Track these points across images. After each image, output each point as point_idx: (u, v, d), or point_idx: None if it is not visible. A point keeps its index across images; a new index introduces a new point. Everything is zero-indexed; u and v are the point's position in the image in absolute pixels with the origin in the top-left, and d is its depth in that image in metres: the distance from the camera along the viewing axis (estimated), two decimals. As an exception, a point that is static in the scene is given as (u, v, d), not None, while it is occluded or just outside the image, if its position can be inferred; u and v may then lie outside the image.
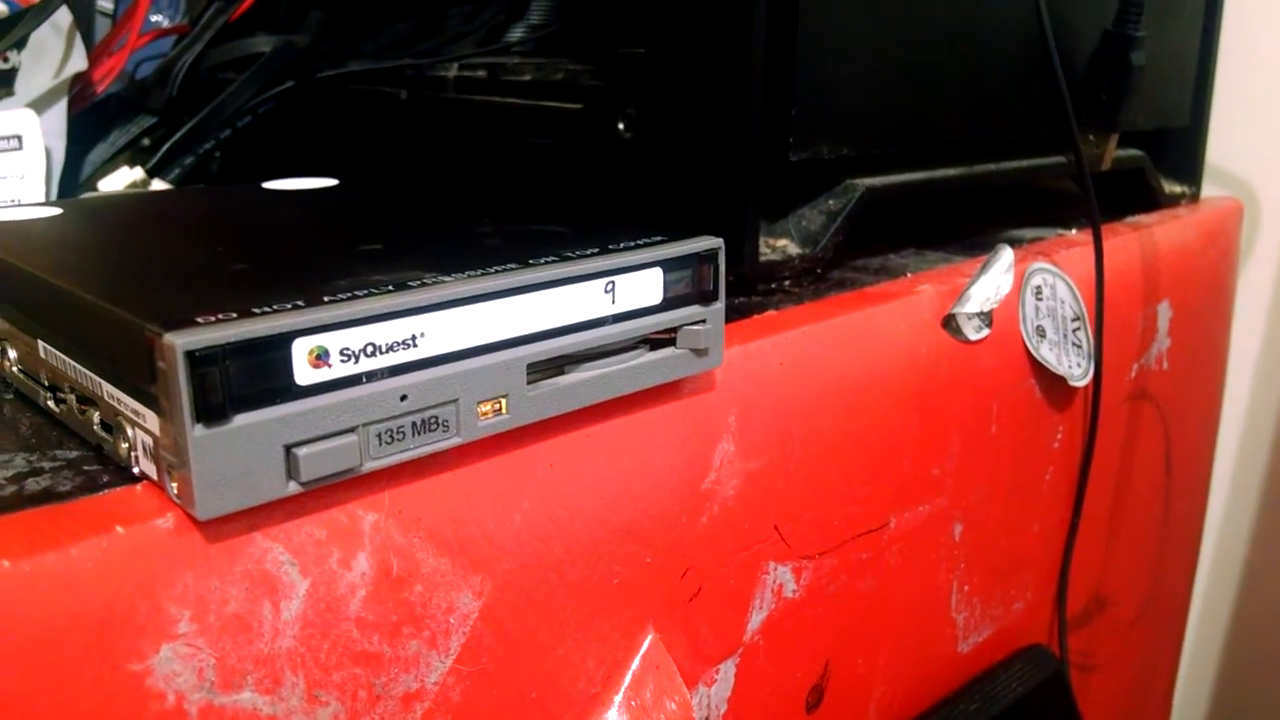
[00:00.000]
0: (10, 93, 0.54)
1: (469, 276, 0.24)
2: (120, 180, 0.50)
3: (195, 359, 0.20)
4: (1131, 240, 0.51)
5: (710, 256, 0.29)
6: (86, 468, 0.24)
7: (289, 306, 0.22)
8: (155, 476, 0.22)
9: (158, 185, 0.51)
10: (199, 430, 0.20)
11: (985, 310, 0.39)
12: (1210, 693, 0.80)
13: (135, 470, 0.23)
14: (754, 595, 0.34)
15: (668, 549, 0.30)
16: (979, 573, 0.44)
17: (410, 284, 0.24)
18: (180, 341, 0.19)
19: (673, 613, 0.31)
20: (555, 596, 0.28)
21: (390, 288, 0.23)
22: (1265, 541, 0.75)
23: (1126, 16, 0.47)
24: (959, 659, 0.44)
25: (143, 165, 0.52)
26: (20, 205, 0.36)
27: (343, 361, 0.22)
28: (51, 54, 0.53)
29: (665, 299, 0.28)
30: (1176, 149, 0.60)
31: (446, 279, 0.24)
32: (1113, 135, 0.50)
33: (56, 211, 0.34)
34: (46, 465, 0.24)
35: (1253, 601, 0.77)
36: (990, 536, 0.44)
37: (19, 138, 0.49)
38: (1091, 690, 0.56)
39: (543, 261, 0.26)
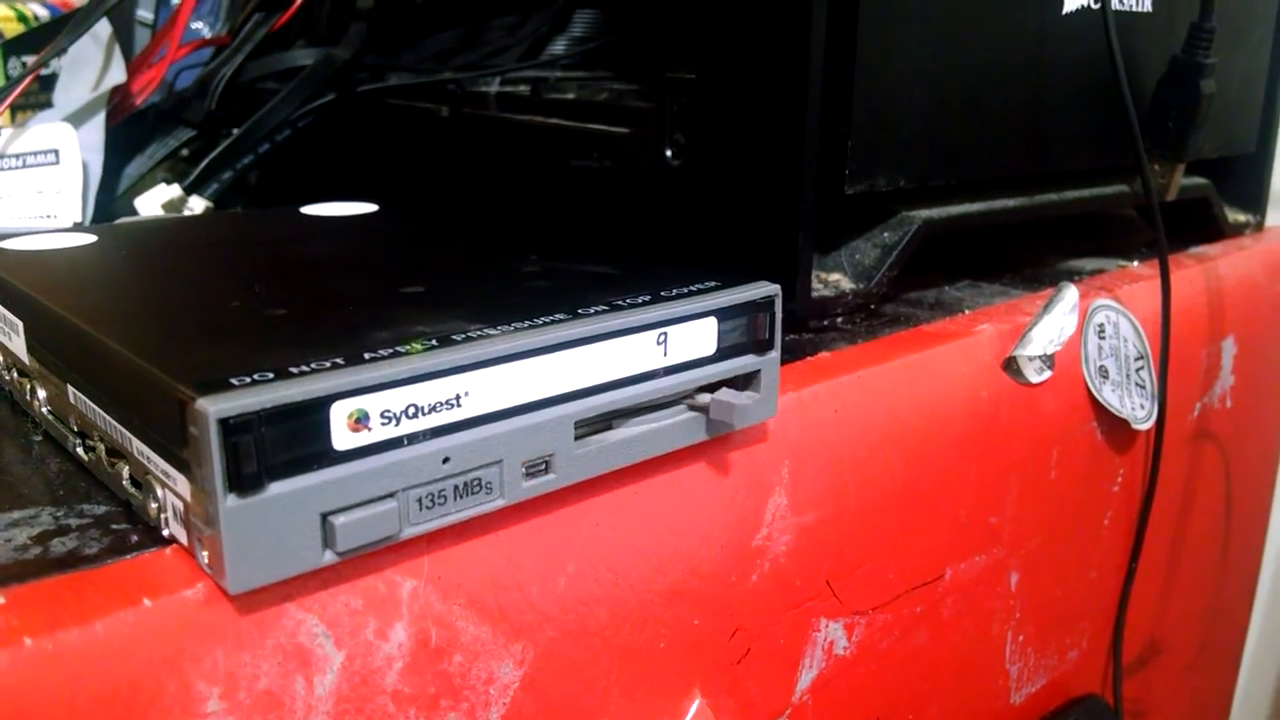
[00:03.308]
0: (49, 102, 0.53)
1: (515, 330, 0.23)
2: (157, 198, 0.49)
3: (229, 426, 0.18)
4: (1196, 273, 0.49)
5: (767, 304, 0.28)
6: (114, 526, 0.23)
7: (327, 365, 0.20)
8: (185, 541, 0.21)
9: (195, 202, 0.50)
10: (231, 500, 0.19)
11: (1048, 353, 0.38)
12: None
13: (165, 533, 0.22)
14: (804, 654, 0.32)
15: (716, 610, 0.29)
16: (1034, 622, 0.42)
17: (454, 337, 0.22)
18: (214, 409, 0.18)
19: (720, 675, 0.30)
20: (599, 663, 0.26)
21: (434, 342, 0.22)
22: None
23: (1197, 43, 0.45)
24: (1011, 711, 0.43)
25: (180, 181, 0.51)
26: (54, 230, 0.35)
27: (383, 424, 0.21)
28: (90, 66, 0.53)
29: (719, 349, 0.27)
30: (1241, 176, 0.58)
31: (493, 332, 0.23)
32: (1179, 165, 0.48)
33: (90, 239, 0.34)
34: (74, 523, 0.23)
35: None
36: (1047, 584, 0.42)
37: (56, 152, 0.49)
38: (1142, 735, 0.54)
39: (592, 312, 0.25)
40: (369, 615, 0.22)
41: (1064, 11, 0.42)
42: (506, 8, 0.54)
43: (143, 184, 0.53)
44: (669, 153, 0.39)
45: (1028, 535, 0.40)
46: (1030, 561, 0.40)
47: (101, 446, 0.24)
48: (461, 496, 0.22)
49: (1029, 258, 0.50)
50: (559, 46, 0.53)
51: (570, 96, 0.45)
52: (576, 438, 0.24)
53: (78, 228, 0.41)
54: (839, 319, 0.38)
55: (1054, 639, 0.44)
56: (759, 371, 0.28)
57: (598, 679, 0.26)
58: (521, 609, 0.25)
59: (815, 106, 0.35)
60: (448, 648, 0.23)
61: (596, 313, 0.25)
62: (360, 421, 0.20)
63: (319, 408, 0.20)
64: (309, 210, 0.40)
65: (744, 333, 0.27)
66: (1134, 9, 0.45)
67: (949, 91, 0.39)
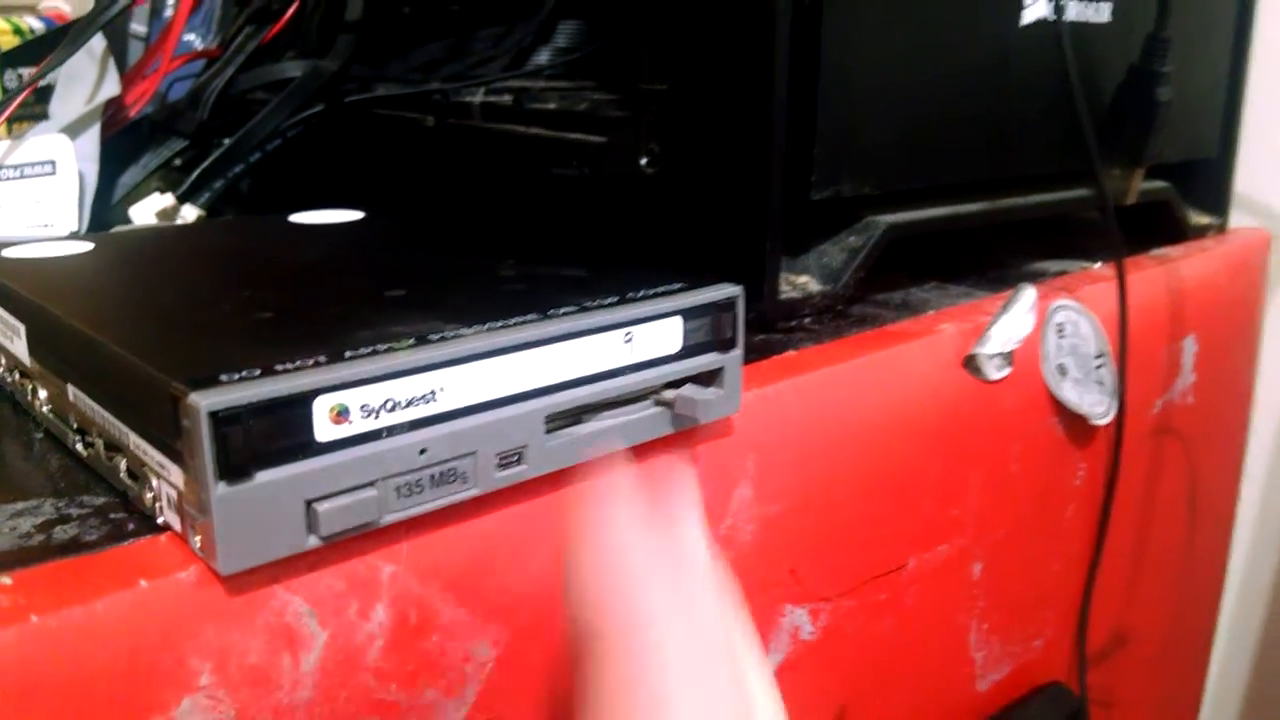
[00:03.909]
0: (45, 114, 0.54)
1: (489, 329, 0.25)
2: (151, 207, 0.51)
3: (219, 419, 0.20)
4: (1157, 274, 0.51)
5: (729, 305, 0.29)
6: (113, 515, 0.24)
7: (311, 363, 0.22)
8: (179, 528, 0.22)
9: (188, 211, 0.52)
10: (222, 488, 0.20)
11: (1006, 350, 0.39)
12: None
13: (160, 520, 0.23)
14: (770, 638, 0.34)
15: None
16: (999, 611, 0.43)
17: (431, 337, 0.24)
18: (205, 402, 0.20)
19: (688, 657, 0.31)
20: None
21: (411, 341, 0.24)
22: (1291, 573, 0.74)
23: (1153, 52, 0.47)
24: (977, 697, 0.44)
25: (173, 190, 0.53)
26: (52, 238, 0.36)
27: (363, 417, 0.22)
28: (85, 79, 0.54)
29: (684, 347, 0.29)
30: (1204, 180, 0.60)
31: (467, 331, 0.24)
32: (1139, 169, 0.49)
33: (88, 247, 0.35)
34: (74, 512, 0.24)
35: (1277, 637, 0.76)
36: (1010, 575, 0.43)
37: (53, 163, 0.50)
38: (1112, 724, 0.56)
39: (562, 312, 0.26)
40: (351, 597, 0.24)
41: (1022, 24, 0.44)
42: (491, 20, 0.55)
43: (137, 193, 0.54)
44: (644, 161, 0.41)
45: (990, 527, 0.41)
46: (993, 552, 0.42)
47: (100, 442, 0.25)
48: (438, 486, 0.24)
49: (996, 260, 0.52)
50: (542, 57, 0.54)
51: (551, 107, 0.46)
52: (547, 431, 0.26)
53: (75, 236, 0.43)
54: (807, 319, 0.40)
55: (1019, 628, 0.45)
56: (722, 368, 0.29)
57: (569, 659, 0.28)
58: (496, 592, 0.26)
59: (781, 116, 0.36)
60: (426, 628, 0.25)
61: (566, 313, 0.26)
62: (341, 415, 0.22)
63: (303, 401, 0.21)
64: (297, 218, 0.41)
65: (708, 331, 0.29)
66: (1092, 20, 0.47)
67: (912, 101, 0.41)
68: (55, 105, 0.54)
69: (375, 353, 0.23)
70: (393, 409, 0.23)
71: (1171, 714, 0.64)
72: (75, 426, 0.27)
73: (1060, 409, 0.43)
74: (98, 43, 0.54)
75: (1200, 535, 0.59)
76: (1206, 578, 0.64)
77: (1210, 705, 0.77)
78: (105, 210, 0.53)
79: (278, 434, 0.21)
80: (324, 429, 0.21)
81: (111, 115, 0.55)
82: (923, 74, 0.41)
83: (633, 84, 0.41)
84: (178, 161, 0.58)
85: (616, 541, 0.22)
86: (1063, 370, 0.43)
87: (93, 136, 0.53)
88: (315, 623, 0.23)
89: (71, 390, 0.26)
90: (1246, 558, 0.75)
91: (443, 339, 0.24)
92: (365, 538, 0.24)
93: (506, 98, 0.49)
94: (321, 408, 0.21)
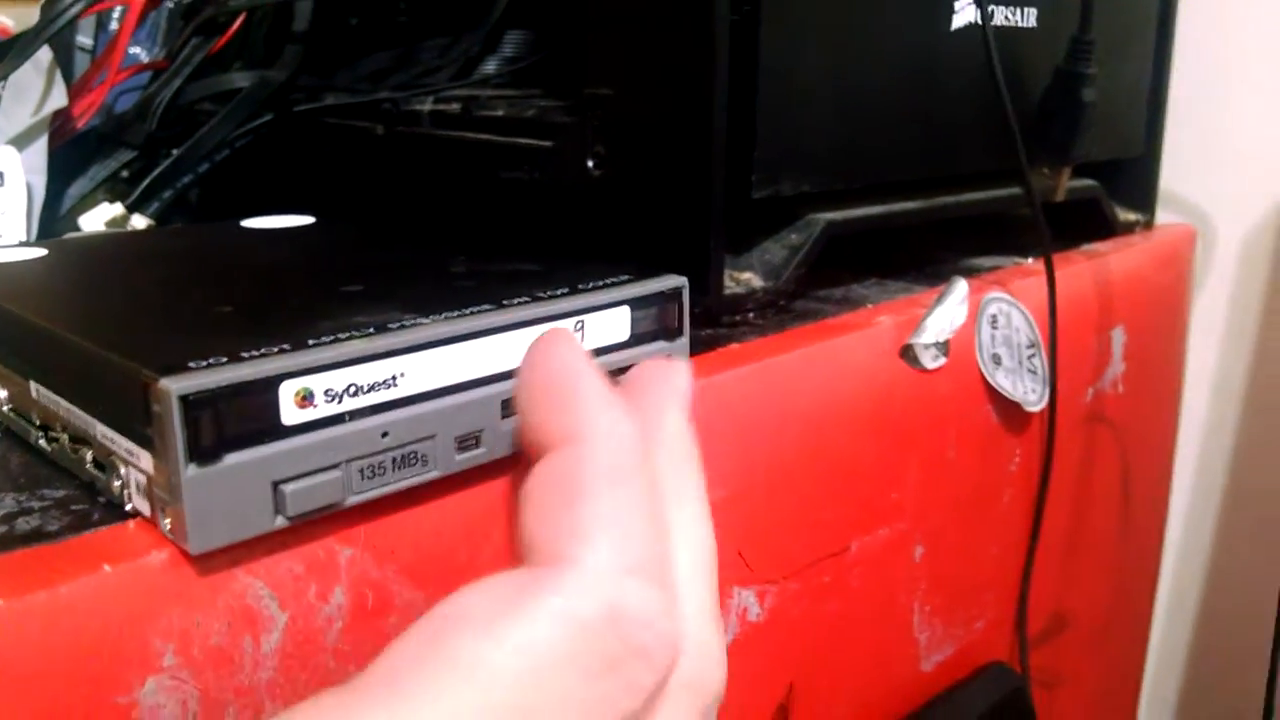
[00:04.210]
0: (-11, 127, 0.54)
1: (446, 318, 0.26)
2: (100, 216, 0.51)
3: (189, 403, 0.21)
4: (1085, 268, 0.53)
5: (675, 295, 0.30)
6: (74, 506, 0.25)
7: (275, 350, 0.23)
8: (148, 513, 0.23)
9: (137, 220, 0.52)
10: (192, 470, 0.21)
11: (941, 340, 0.41)
12: (1174, 706, 0.82)
13: (128, 507, 0.24)
14: (721, 618, 0.35)
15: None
16: (940, 593, 0.45)
17: (390, 326, 0.25)
18: (175, 386, 0.21)
19: (642, 636, 0.32)
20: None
21: (371, 330, 0.25)
22: (1224, 557, 0.77)
23: (1077, 54, 0.49)
24: (922, 677, 0.46)
25: (122, 200, 0.53)
26: (4, 246, 0.37)
27: (327, 401, 0.23)
28: (32, 91, 0.54)
29: (632, 335, 0.30)
30: (1131, 178, 0.62)
31: (425, 320, 0.25)
32: (1066, 168, 0.52)
33: (42, 252, 0.36)
34: (35, 505, 0.25)
35: (1214, 616, 0.79)
36: (950, 558, 0.45)
37: (1, 175, 0.50)
38: (1055, 706, 0.57)
39: (515, 302, 0.27)
40: (310, 580, 0.25)
41: (953, 28, 0.46)
42: (438, 30, 0.56)
43: (85, 204, 0.55)
44: (590, 164, 0.42)
45: (930, 511, 0.43)
46: (933, 535, 0.44)
47: (65, 436, 0.26)
48: (400, 468, 0.25)
49: (932, 257, 0.53)
50: (489, 66, 0.55)
51: (500, 113, 0.47)
52: (503, 416, 0.27)
53: (26, 244, 0.43)
54: (751, 314, 0.41)
55: (960, 609, 0.47)
56: (669, 357, 0.31)
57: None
58: (451, 575, 0.27)
59: (722, 119, 0.38)
60: (383, 610, 0.26)
61: (520, 303, 0.27)
62: (306, 399, 0.23)
63: (269, 386, 0.22)
64: (249, 223, 0.42)
65: (655, 321, 0.30)
66: (1019, 24, 0.49)
67: (848, 103, 0.43)
68: (1, 118, 0.54)
69: (338, 340, 0.24)
70: (355, 394, 0.23)
71: (1112, 691, 0.66)
72: (38, 423, 0.27)
73: (995, 396, 0.45)
74: (44, 55, 0.54)
75: (1135, 518, 0.61)
76: (1143, 559, 0.66)
77: (1150, 682, 0.80)
78: (53, 221, 0.53)
79: (246, 418, 0.22)
80: (290, 413, 0.22)
81: (59, 127, 0.55)
82: (858, 77, 0.43)
83: (578, 90, 0.42)
84: (125, 173, 0.58)
85: (568, 366, 0.23)
86: (997, 360, 0.45)
87: (40, 148, 0.53)
88: (276, 605, 0.24)
89: (35, 387, 0.27)
90: (1181, 539, 0.78)
91: (402, 327, 0.25)
92: (324, 522, 0.24)
93: (455, 106, 0.50)
94: (287, 392, 0.22)
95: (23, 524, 0.24)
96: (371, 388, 0.24)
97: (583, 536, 0.20)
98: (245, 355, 0.22)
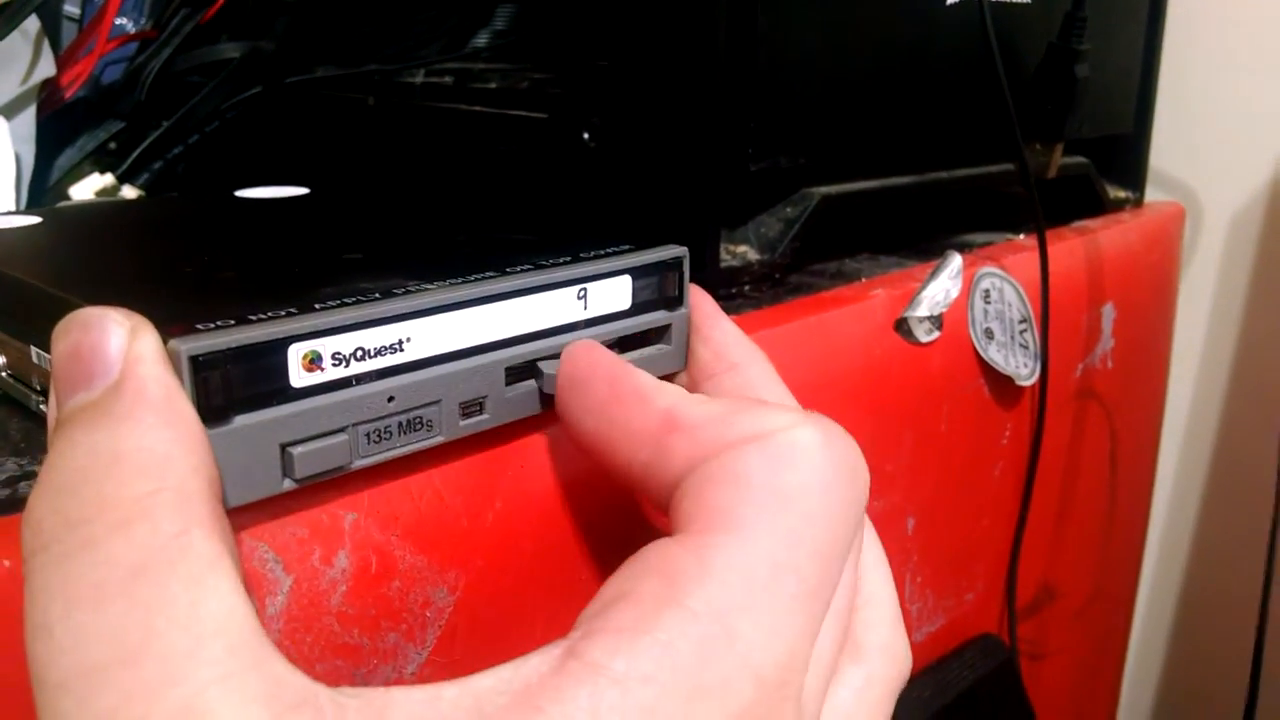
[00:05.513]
0: (-24, 97, 0.54)
1: (451, 284, 0.26)
2: (90, 186, 0.51)
3: (199, 363, 0.21)
4: (1076, 245, 0.53)
5: (676, 264, 0.30)
6: (82, 469, 0.25)
7: (283, 314, 0.23)
8: (153, 476, 0.23)
9: (128, 191, 0.52)
10: (201, 431, 0.21)
11: (935, 314, 0.41)
12: (1158, 678, 0.83)
13: (133, 470, 0.24)
14: (718, 586, 0.35)
15: (633, 544, 0.32)
16: (931, 565, 0.45)
17: (396, 291, 0.25)
18: (185, 347, 0.21)
19: (642, 603, 0.32)
20: (526, 592, 0.29)
21: (377, 295, 0.25)
22: (1209, 532, 0.78)
23: (1070, 30, 0.49)
24: (913, 648, 0.46)
25: (112, 170, 0.53)
26: None
27: (334, 365, 0.23)
28: (19, 60, 0.54)
29: (634, 304, 0.30)
30: (1121, 155, 0.63)
31: (430, 286, 0.25)
32: (1058, 144, 0.52)
33: (36, 220, 0.35)
34: (37, 469, 0.25)
35: (1197, 590, 0.80)
36: (942, 530, 0.45)
37: (-12, 144, 0.50)
38: (1041, 677, 0.58)
39: (520, 269, 0.27)
40: (314, 544, 0.25)
41: (949, 2, 0.46)
42: (429, 3, 0.56)
43: (73, 175, 0.54)
44: (586, 135, 0.42)
45: (922, 483, 0.43)
46: (925, 508, 0.44)
47: (67, 400, 0.26)
48: (405, 433, 0.25)
49: (929, 233, 0.54)
50: (481, 39, 0.55)
51: (492, 86, 0.47)
52: (507, 383, 0.27)
53: (21, 212, 0.43)
54: (746, 287, 0.41)
55: (951, 581, 0.47)
56: (670, 325, 0.31)
57: (524, 606, 0.29)
58: (453, 540, 0.27)
59: (719, 90, 0.38)
60: (387, 574, 0.26)
61: (523, 270, 0.27)
62: (314, 362, 0.23)
63: (278, 348, 0.22)
64: (243, 194, 0.42)
65: (655, 290, 0.30)
66: (1014, 0, 0.49)
67: (845, 77, 0.43)
68: (-11, 86, 0.54)
69: (344, 304, 0.24)
70: (362, 358, 0.23)
71: (1098, 662, 0.67)
72: (39, 388, 0.27)
73: (987, 371, 0.45)
74: (31, 24, 0.53)
75: (1123, 492, 0.62)
76: (1130, 533, 0.67)
77: (1135, 655, 0.81)
78: (41, 192, 0.53)
79: (254, 379, 0.22)
80: (298, 376, 0.22)
81: (47, 96, 0.54)
82: (855, 51, 0.43)
83: (572, 63, 0.42)
84: (113, 145, 0.57)
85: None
86: (989, 334, 0.45)
87: (28, 118, 0.52)
88: (280, 568, 0.24)
89: (35, 351, 0.27)
90: (1167, 513, 0.79)
91: (408, 292, 0.25)
92: (328, 486, 0.25)
93: (447, 79, 0.50)
94: (295, 355, 0.22)
95: (25, 488, 0.24)
96: (378, 352, 0.24)
97: None
98: (253, 318, 0.22)
